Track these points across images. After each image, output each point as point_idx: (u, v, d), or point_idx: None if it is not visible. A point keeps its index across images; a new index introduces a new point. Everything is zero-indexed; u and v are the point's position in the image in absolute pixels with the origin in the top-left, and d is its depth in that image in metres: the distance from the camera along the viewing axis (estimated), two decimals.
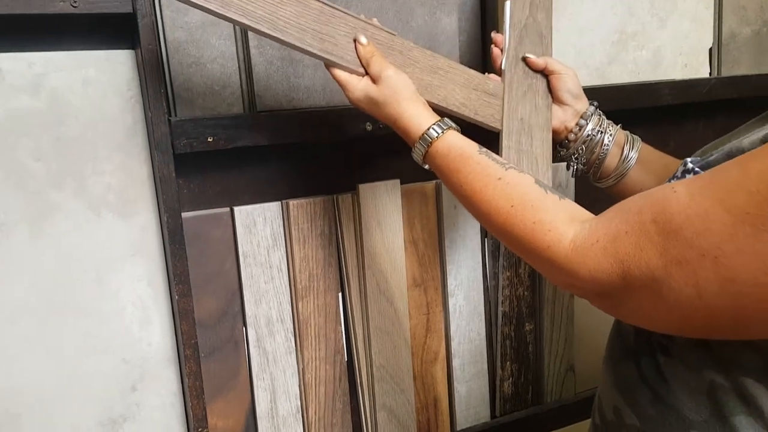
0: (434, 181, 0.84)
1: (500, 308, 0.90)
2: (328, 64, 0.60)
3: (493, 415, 0.93)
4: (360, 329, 0.82)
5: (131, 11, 0.61)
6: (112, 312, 0.69)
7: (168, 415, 0.74)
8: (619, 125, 0.71)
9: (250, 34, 0.72)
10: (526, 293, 0.91)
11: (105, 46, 0.66)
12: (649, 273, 0.40)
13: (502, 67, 0.70)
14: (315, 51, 0.58)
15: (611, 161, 0.70)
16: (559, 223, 0.48)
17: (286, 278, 0.77)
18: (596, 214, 0.48)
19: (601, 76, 0.89)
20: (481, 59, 0.85)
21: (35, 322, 0.67)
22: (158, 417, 0.73)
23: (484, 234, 0.89)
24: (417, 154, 0.59)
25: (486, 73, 0.69)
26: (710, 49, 0.97)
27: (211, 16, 0.67)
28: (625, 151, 0.69)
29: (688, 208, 0.39)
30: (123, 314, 0.70)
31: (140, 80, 0.67)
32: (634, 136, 0.70)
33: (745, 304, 0.37)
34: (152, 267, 0.71)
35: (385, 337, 0.82)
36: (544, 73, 0.71)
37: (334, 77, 0.61)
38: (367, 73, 0.60)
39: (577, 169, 0.72)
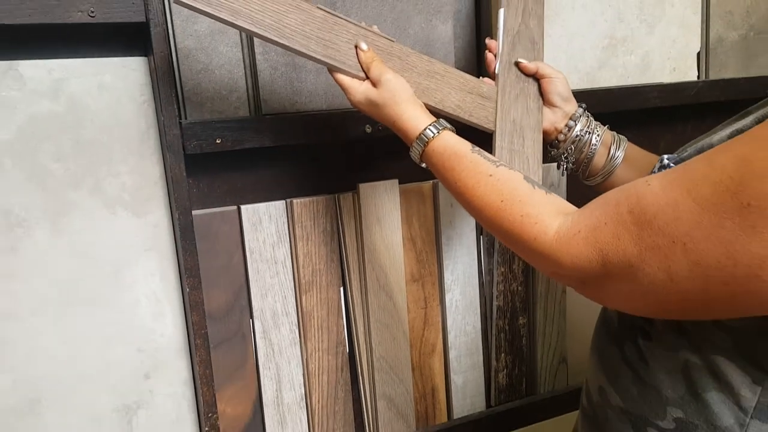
0: (431, 181, 0.87)
1: (495, 303, 0.93)
2: (331, 69, 0.63)
3: (488, 405, 0.96)
4: (361, 322, 0.85)
5: (144, 21, 0.65)
6: (127, 304, 0.73)
7: (179, 403, 0.78)
8: (606, 126, 0.73)
9: (256, 41, 0.74)
10: (519, 288, 0.94)
11: (120, 54, 0.69)
12: (626, 260, 0.43)
13: (496, 72, 0.72)
14: (319, 57, 0.61)
15: (599, 160, 0.72)
16: (545, 215, 0.51)
17: (290, 273, 0.80)
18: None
19: (592, 80, 0.92)
20: (476, 64, 0.87)
21: (55, 314, 0.70)
22: (170, 404, 0.77)
23: (479, 231, 0.91)
24: (414, 153, 0.62)
25: (480, 77, 0.72)
26: (698, 54, 0.99)
27: (218, 25, 0.71)
28: (612, 151, 0.71)
29: (660, 200, 0.42)
30: (137, 306, 0.73)
31: (153, 85, 0.70)
32: (621, 136, 0.73)
33: (711, 286, 0.40)
34: (164, 262, 0.74)
35: (385, 329, 0.85)
36: (536, 77, 0.73)
37: (337, 81, 0.63)
38: (367, 78, 0.63)
39: (566, 167, 0.74)
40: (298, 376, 0.83)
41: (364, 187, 0.82)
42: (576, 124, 0.72)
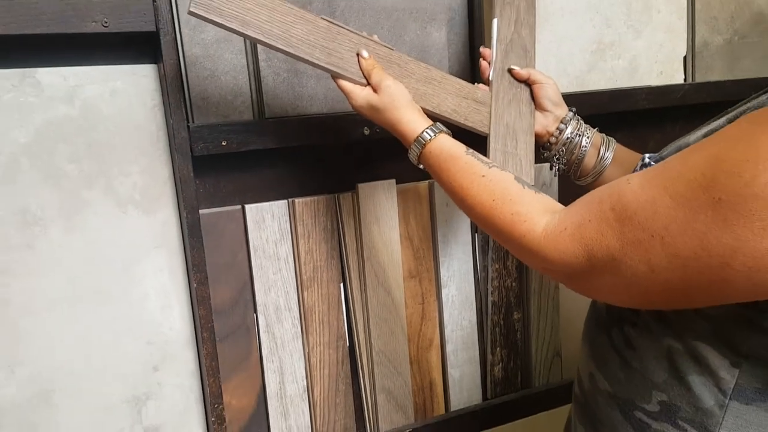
0: (428, 181, 0.90)
1: (490, 298, 0.96)
2: (334, 76, 0.66)
3: (484, 398, 0.98)
4: (360, 317, 0.88)
5: (155, 30, 0.68)
6: (137, 299, 0.76)
7: (186, 394, 0.80)
8: (596, 128, 0.76)
9: (260, 48, 0.78)
10: (513, 284, 0.97)
11: (131, 61, 0.73)
12: (609, 254, 0.46)
13: (490, 78, 0.75)
14: (323, 64, 0.64)
15: (589, 161, 0.75)
16: (533, 214, 0.53)
17: (292, 269, 0.83)
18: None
19: (581, 84, 0.96)
20: (469, 69, 0.90)
21: (68, 308, 0.73)
22: (178, 395, 0.80)
23: (474, 229, 0.94)
24: (412, 155, 0.65)
25: (475, 83, 0.75)
26: (684, 57, 1.03)
27: (224, 33, 0.74)
28: (601, 152, 0.74)
29: (640, 197, 0.44)
30: (147, 301, 0.76)
31: (162, 91, 0.73)
32: (610, 138, 0.76)
33: (689, 276, 0.42)
34: (173, 258, 0.77)
35: (384, 324, 0.88)
36: (528, 83, 0.76)
37: (339, 87, 0.66)
38: (368, 84, 0.66)
39: (558, 168, 0.77)
40: (300, 369, 0.85)
41: (363, 187, 0.85)
42: (566, 127, 0.75)
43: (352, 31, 0.66)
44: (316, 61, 0.64)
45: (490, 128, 0.74)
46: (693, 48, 1.03)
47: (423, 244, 0.91)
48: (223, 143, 0.73)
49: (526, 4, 0.78)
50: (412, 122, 0.64)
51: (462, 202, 0.60)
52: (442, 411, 0.95)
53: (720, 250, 0.40)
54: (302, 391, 0.86)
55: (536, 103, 0.76)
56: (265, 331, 0.83)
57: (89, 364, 0.75)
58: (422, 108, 0.67)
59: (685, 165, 0.43)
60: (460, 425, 0.95)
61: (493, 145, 0.73)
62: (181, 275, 0.78)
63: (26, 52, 0.68)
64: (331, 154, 0.86)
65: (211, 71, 0.76)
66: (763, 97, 0.47)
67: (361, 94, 0.66)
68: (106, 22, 0.66)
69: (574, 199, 0.52)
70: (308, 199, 0.83)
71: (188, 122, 0.73)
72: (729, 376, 0.47)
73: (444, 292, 0.93)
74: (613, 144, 0.75)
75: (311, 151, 0.84)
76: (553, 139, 0.76)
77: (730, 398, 0.47)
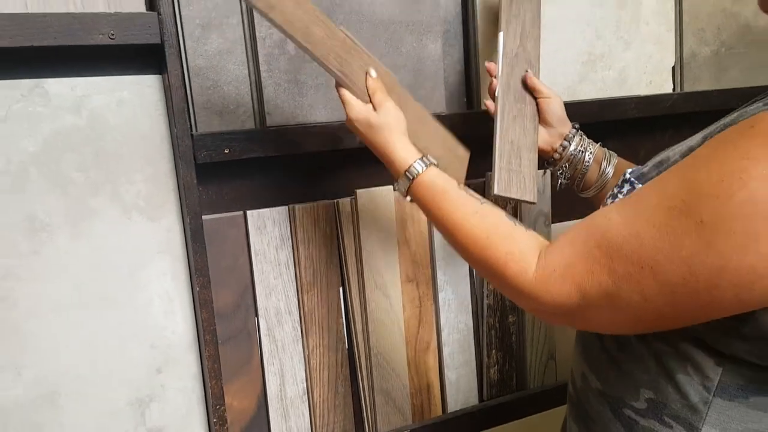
0: None
1: (485, 301, 0.97)
2: (340, 84, 0.66)
3: (480, 400, 1.00)
4: (359, 320, 0.90)
5: (160, 42, 0.70)
6: (142, 304, 0.78)
7: (189, 396, 0.82)
8: (598, 143, 0.77)
9: (261, 59, 0.80)
10: None
11: (137, 72, 0.74)
12: (602, 290, 0.47)
13: (497, 94, 0.76)
14: (334, 69, 0.65)
15: (591, 175, 0.77)
16: (526, 253, 0.53)
17: (292, 274, 0.85)
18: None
19: (572, 94, 0.98)
20: (464, 79, 0.93)
21: (74, 313, 0.75)
22: (181, 397, 0.81)
23: None
24: (402, 187, 0.64)
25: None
26: (673, 68, 1.06)
27: (227, 45, 0.76)
28: (603, 166, 0.76)
29: (623, 231, 0.46)
30: (151, 305, 0.78)
31: (166, 101, 0.75)
32: (611, 153, 0.77)
33: (680, 299, 0.44)
34: (176, 263, 0.79)
35: (382, 327, 0.90)
36: (532, 98, 0.78)
37: (340, 95, 0.67)
38: (370, 101, 0.67)
39: (561, 183, 0.79)
40: (301, 372, 0.87)
41: (362, 194, 0.87)
42: (570, 144, 0.77)
43: (364, 52, 0.67)
44: (329, 65, 0.64)
45: (495, 146, 0.74)
46: (681, 59, 1.06)
47: (420, 248, 0.92)
48: (226, 151, 0.75)
49: (531, 16, 0.80)
50: (404, 150, 0.64)
51: (454, 238, 0.60)
52: (439, 412, 0.97)
53: (707, 273, 0.42)
54: (302, 393, 0.88)
55: (541, 118, 0.77)
56: (266, 335, 0.84)
57: (94, 367, 0.76)
58: None
59: (664, 194, 0.45)
60: (457, 426, 0.96)
61: (498, 163, 0.74)
62: (184, 280, 0.80)
63: (35, 63, 0.70)
64: (330, 162, 0.88)
65: (214, 82, 0.78)
66: (733, 116, 0.49)
67: (360, 107, 0.66)
68: (112, 35, 0.68)
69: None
70: (308, 205, 0.84)
71: (192, 131, 0.75)
72: (713, 374, 0.49)
73: (441, 295, 0.94)
74: (614, 158, 0.77)
75: (311, 159, 0.86)
76: (557, 155, 0.78)
77: (714, 395, 0.49)
